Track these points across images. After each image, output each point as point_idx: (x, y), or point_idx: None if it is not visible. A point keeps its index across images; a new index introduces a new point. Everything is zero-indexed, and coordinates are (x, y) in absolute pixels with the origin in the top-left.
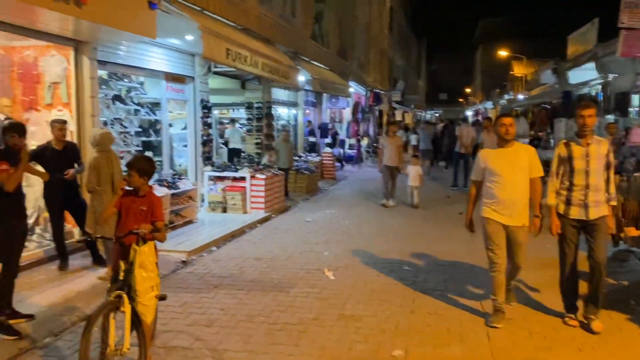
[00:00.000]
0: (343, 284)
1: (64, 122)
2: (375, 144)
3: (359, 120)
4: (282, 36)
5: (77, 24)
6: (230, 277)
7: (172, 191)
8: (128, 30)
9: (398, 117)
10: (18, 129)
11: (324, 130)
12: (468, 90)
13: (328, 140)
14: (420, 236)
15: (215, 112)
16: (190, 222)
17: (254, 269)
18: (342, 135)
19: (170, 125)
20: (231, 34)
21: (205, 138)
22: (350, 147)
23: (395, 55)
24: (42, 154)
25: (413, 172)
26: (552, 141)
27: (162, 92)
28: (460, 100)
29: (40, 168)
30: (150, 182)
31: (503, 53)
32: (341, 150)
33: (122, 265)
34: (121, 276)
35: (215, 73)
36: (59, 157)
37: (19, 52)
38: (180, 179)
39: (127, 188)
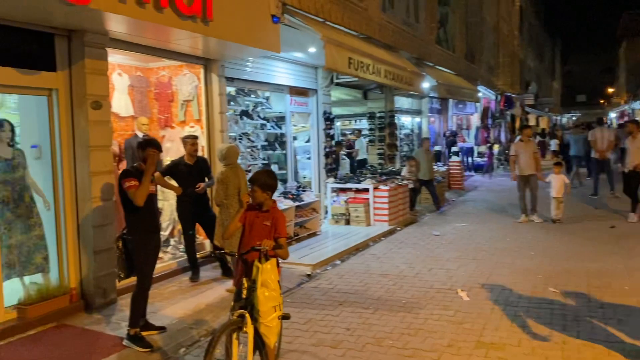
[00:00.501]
0: (479, 306)
1: (195, 137)
2: (507, 151)
3: (488, 126)
4: (405, 42)
5: (206, 42)
6: (355, 293)
7: (297, 203)
8: (252, 45)
9: (532, 122)
10: (156, 144)
11: (450, 138)
12: (610, 90)
13: (455, 148)
14: (567, 253)
15: (338, 123)
16: (314, 234)
17: (379, 286)
18: (469, 142)
19: (295, 138)
20: (353, 43)
21: (327, 150)
22: (480, 155)
23: (527, 57)
24: (175, 169)
25: (557, 182)
26: None
27: (286, 106)
28: (602, 101)
29: (173, 182)
30: (275, 195)
31: None
32: (468, 159)
33: (245, 282)
34: (244, 294)
35: (338, 84)
36: (190, 172)
37: (155, 73)
38: (304, 191)
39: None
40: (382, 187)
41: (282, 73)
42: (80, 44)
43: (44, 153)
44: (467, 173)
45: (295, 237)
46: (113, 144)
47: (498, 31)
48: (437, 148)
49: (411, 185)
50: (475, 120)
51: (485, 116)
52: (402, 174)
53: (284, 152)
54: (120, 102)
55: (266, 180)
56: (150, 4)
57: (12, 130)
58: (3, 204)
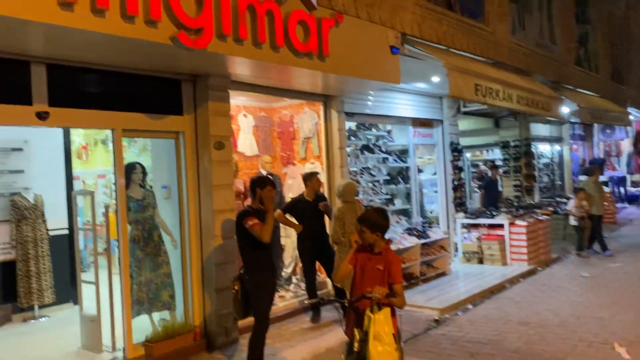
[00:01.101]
0: None
1: (316, 173)
2: None
3: None
4: (539, 65)
5: (324, 79)
6: (489, 344)
7: (423, 240)
8: (371, 78)
9: None
10: (271, 181)
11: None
12: None
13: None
14: None
15: (467, 154)
16: (443, 274)
17: (517, 336)
18: (621, 171)
19: (420, 171)
20: (479, 69)
21: (456, 183)
22: (634, 184)
23: None
24: (295, 207)
25: None
26: None
27: (409, 138)
28: None
29: (294, 220)
30: (399, 231)
31: None
32: (620, 189)
33: (357, 334)
34: (356, 347)
35: (465, 113)
36: (310, 209)
37: (278, 112)
38: (431, 227)
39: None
40: (519, 222)
41: (404, 105)
42: (204, 87)
43: (172, 193)
44: (619, 205)
45: (422, 277)
46: (238, 183)
47: None
48: (582, 178)
49: (574, 222)
50: (626, 145)
51: (638, 141)
52: (568, 208)
53: (408, 186)
54: (246, 142)
55: (376, 219)
56: (266, 44)
57: (144, 172)
58: (134, 243)
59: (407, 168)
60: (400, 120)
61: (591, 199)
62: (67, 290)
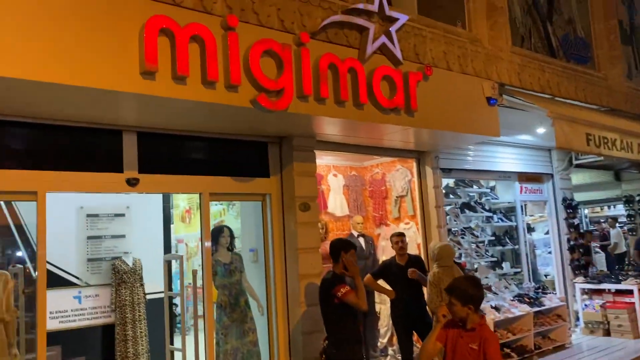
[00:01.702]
0: None
1: (401, 234)
2: None
3: None
4: None
5: (415, 134)
6: None
7: (535, 309)
8: (466, 132)
9: None
10: (354, 245)
11: None
12: None
13: None
14: None
15: (585, 210)
16: (561, 347)
17: None
18: None
19: (532, 229)
20: (591, 117)
21: (572, 243)
22: None
23: None
24: (386, 271)
25: None
26: None
27: (515, 195)
28: None
29: (386, 286)
30: (509, 297)
31: None
32: None
33: None
34: None
35: (579, 166)
36: (402, 273)
37: (369, 171)
38: (545, 293)
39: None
40: None
41: (507, 159)
42: (289, 148)
43: (259, 256)
44: None
45: (537, 351)
46: (328, 245)
47: None
48: None
49: None
50: None
51: None
52: None
53: (516, 247)
54: (336, 202)
55: (466, 289)
56: (349, 102)
57: (231, 236)
58: (221, 309)
59: (515, 227)
60: (504, 176)
61: None
62: (162, 355)
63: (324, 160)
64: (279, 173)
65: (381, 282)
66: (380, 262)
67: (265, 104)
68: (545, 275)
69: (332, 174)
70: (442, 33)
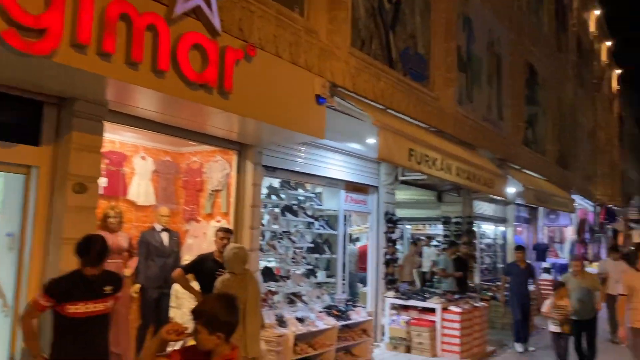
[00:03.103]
0: None
1: (228, 231)
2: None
3: (586, 240)
4: (485, 140)
5: (236, 123)
6: None
7: (342, 322)
8: (289, 128)
9: (635, 239)
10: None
11: (540, 252)
12: None
13: (546, 264)
14: None
15: (408, 226)
16: None
17: None
18: (563, 258)
19: (356, 239)
20: (417, 133)
21: (389, 257)
22: None
23: (628, 168)
24: (201, 265)
25: None
26: None
27: (340, 203)
28: None
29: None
30: (319, 308)
31: None
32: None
33: None
34: None
35: (405, 183)
36: (216, 271)
37: (187, 158)
38: (355, 306)
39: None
40: (453, 308)
41: (337, 166)
42: (69, 113)
43: (18, 243)
44: None
45: None
46: (122, 237)
47: (595, 138)
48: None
49: (555, 328)
50: (570, 233)
51: (582, 229)
52: (543, 310)
53: (334, 256)
54: (140, 189)
55: (216, 313)
56: (144, 64)
57: None
58: None
59: (335, 236)
60: (332, 183)
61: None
62: None
63: (130, 138)
64: (54, 143)
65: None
66: (182, 261)
67: (14, 42)
68: (364, 286)
69: (141, 156)
70: (275, 14)
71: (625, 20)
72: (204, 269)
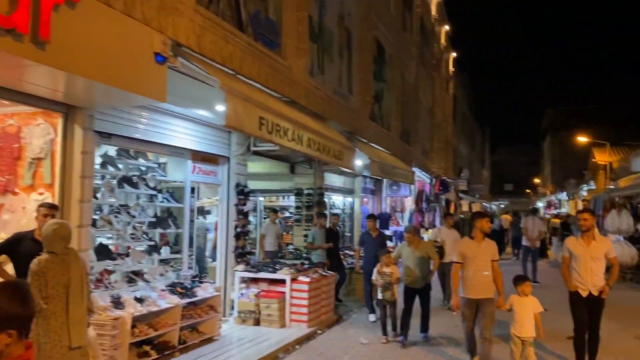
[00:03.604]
0: None
1: (53, 207)
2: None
3: (423, 210)
4: (336, 113)
5: (64, 82)
6: None
7: (186, 300)
8: (122, 88)
9: (465, 208)
10: None
11: (383, 221)
12: (536, 180)
13: (388, 232)
14: None
15: (261, 198)
16: (210, 339)
17: None
18: (403, 226)
19: (207, 212)
20: (269, 102)
21: (239, 230)
22: None
23: (460, 144)
24: (16, 246)
25: None
26: None
27: (187, 174)
28: (527, 191)
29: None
30: (161, 286)
31: (583, 139)
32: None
33: None
34: None
35: (257, 154)
36: (38, 250)
37: (1, 121)
38: (202, 282)
39: None
40: (302, 278)
41: (183, 134)
42: None
43: None
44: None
45: (182, 346)
46: None
47: (433, 116)
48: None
49: (380, 295)
50: (409, 203)
51: (420, 200)
52: (372, 278)
53: (179, 230)
54: None
55: (2, 307)
56: None
57: None
58: None
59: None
60: (177, 152)
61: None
62: None
63: None
64: None
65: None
66: None
67: None
68: (212, 261)
69: None
70: None
71: (463, 7)
72: (21, 249)
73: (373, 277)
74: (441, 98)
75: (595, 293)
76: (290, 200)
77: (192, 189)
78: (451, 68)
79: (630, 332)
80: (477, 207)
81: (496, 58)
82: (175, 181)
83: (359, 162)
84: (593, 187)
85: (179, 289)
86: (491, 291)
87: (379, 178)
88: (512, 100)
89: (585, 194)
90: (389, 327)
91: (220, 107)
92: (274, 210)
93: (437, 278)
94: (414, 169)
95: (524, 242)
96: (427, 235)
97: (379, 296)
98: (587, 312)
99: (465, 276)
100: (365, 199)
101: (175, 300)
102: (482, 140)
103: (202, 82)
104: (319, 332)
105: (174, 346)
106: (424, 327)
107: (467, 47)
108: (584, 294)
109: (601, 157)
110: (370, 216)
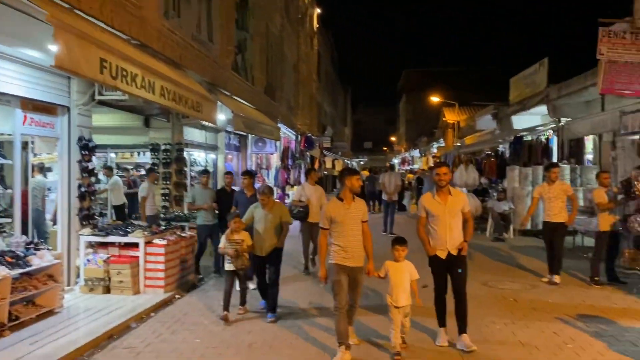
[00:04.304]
0: None
1: None
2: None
3: (289, 166)
4: (195, 62)
5: None
6: None
7: (19, 270)
8: None
9: (328, 164)
10: None
11: None
12: (393, 139)
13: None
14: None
15: (112, 154)
16: (50, 312)
17: None
18: (269, 183)
19: (48, 170)
20: (113, 42)
21: (84, 189)
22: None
23: (324, 101)
24: None
25: None
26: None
27: (16, 126)
28: (384, 148)
29: None
30: None
31: (435, 99)
32: None
33: None
34: None
35: (103, 103)
36: None
37: None
38: (38, 249)
39: None
40: (157, 241)
41: (8, 77)
42: None
43: None
44: None
45: (15, 322)
46: None
47: (298, 71)
48: (236, 188)
49: (229, 266)
50: (275, 160)
51: (285, 156)
52: (220, 247)
53: (9, 191)
54: None
55: None
56: None
57: None
58: None
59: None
60: (2, 99)
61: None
62: None
63: None
64: None
65: None
66: None
67: None
68: (53, 226)
69: None
70: None
71: None
72: None
73: (221, 245)
74: (306, 54)
75: (455, 252)
76: (147, 157)
77: (26, 143)
78: (315, 24)
79: (477, 278)
80: (340, 163)
81: (358, 18)
82: (2, 134)
83: (221, 116)
84: (442, 145)
85: (8, 258)
86: (362, 258)
87: (244, 134)
88: (373, 60)
89: (435, 150)
90: (238, 301)
91: (53, 47)
92: (151, 169)
93: (302, 241)
94: (279, 125)
95: (384, 197)
96: (292, 192)
97: (227, 267)
98: (448, 275)
99: (335, 242)
100: (229, 156)
101: (3, 271)
102: (345, 99)
103: (28, 16)
104: (177, 297)
105: (3, 324)
106: (271, 307)
107: (330, 5)
108: (443, 255)
109: (450, 117)
110: (246, 172)
